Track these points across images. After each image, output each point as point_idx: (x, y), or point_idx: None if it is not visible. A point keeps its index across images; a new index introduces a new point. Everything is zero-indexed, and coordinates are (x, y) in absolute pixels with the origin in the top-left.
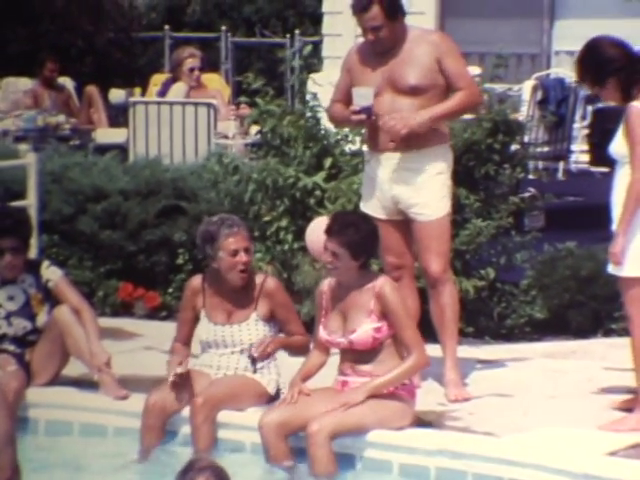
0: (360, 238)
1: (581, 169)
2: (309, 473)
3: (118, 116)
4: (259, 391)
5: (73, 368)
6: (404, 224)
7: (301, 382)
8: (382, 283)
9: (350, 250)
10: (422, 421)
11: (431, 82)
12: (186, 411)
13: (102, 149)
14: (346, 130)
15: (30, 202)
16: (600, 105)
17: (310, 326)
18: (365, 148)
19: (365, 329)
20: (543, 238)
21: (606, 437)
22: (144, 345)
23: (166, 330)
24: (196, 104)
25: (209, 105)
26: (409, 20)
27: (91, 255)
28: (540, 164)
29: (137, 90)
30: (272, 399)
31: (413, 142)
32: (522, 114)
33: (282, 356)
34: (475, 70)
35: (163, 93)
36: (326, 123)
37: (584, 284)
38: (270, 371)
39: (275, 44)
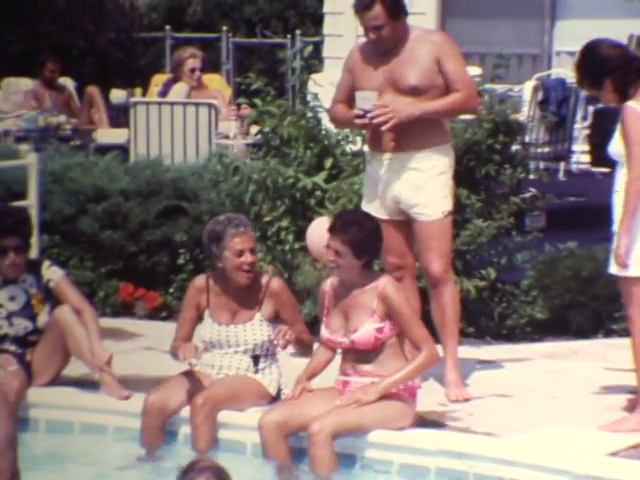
0: (363, 236)
1: (582, 169)
2: (310, 473)
3: (119, 116)
4: (260, 391)
5: (74, 368)
6: (405, 224)
7: (307, 380)
8: (385, 283)
9: (353, 248)
10: (423, 421)
11: (431, 82)
12: (186, 411)
13: (103, 149)
14: (347, 130)
15: (31, 202)
16: (601, 105)
17: (311, 326)
18: (366, 148)
19: (367, 329)
20: (544, 238)
21: (607, 437)
22: (145, 345)
23: (167, 330)
24: (197, 104)
25: (210, 105)
26: (410, 20)
27: (92, 255)
28: (541, 164)
29: (138, 90)
30: (273, 399)
31: (414, 142)
32: (523, 114)
33: (283, 357)
34: (475, 70)
35: (164, 93)
36: (327, 123)
37: (585, 284)
38: (272, 371)
39: (276, 44)
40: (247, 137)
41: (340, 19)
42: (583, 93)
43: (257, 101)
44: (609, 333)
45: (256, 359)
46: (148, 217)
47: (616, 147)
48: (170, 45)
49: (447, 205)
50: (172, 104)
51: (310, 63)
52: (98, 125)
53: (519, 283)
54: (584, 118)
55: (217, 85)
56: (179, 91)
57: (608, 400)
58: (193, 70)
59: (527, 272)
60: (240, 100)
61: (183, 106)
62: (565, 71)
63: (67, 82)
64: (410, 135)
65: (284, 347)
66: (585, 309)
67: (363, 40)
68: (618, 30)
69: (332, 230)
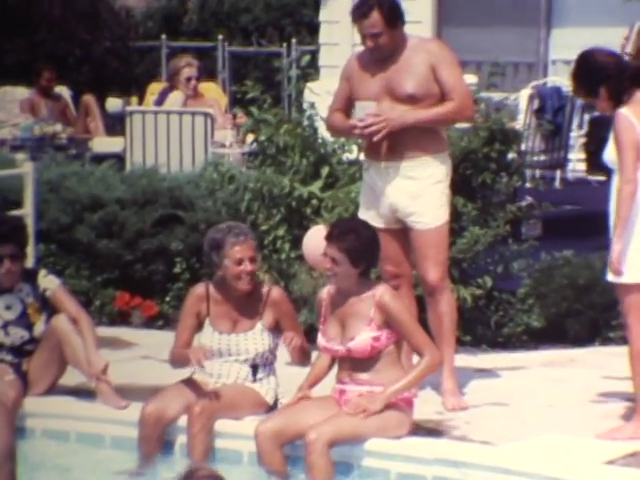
0: (360, 244)
1: (578, 177)
2: None
3: (115, 125)
4: (257, 401)
5: (70, 377)
6: (402, 233)
7: (309, 388)
8: (382, 292)
9: (349, 256)
10: (420, 430)
11: (428, 91)
12: (184, 420)
13: (99, 158)
14: (343, 139)
15: (27, 211)
16: (597, 114)
17: (307, 335)
18: (362, 157)
19: (364, 337)
20: (540, 246)
21: (604, 446)
22: (141, 354)
23: (163, 339)
24: (193, 113)
25: (206, 114)
26: (406, 29)
27: (88, 264)
28: (537, 172)
29: (134, 99)
30: (270, 409)
31: (411, 150)
32: (519, 123)
33: (280, 366)
34: (472, 79)
35: (160, 102)
36: (323, 132)
37: (581, 292)
38: (269, 381)
39: (272, 53)
40: (243, 146)
41: (336, 28)
42: (579, 101)
43: (253, 109)
44: (606, 341)
45: (255, 368)
46: (144, 226)
47: (610, 154)
48: (166, 54)
49: (444, 213)
50: (168, 113)
51: (307, 72)
52: (94, 134)
53: (515, 291)
54: (580, 126)
55: (213, 94)
56: (175, 100)
57: (605, 408)
58: (189, 79)
59: (523, 280)
60: (236, 109)
61: (179, 115)
62: (561, 79)
63: (63, 91)
64: (407, 143)
65: (294, 353)
66: (582, 317)
67: (360, 48)
68: (613, 39)
69: (329, 238)
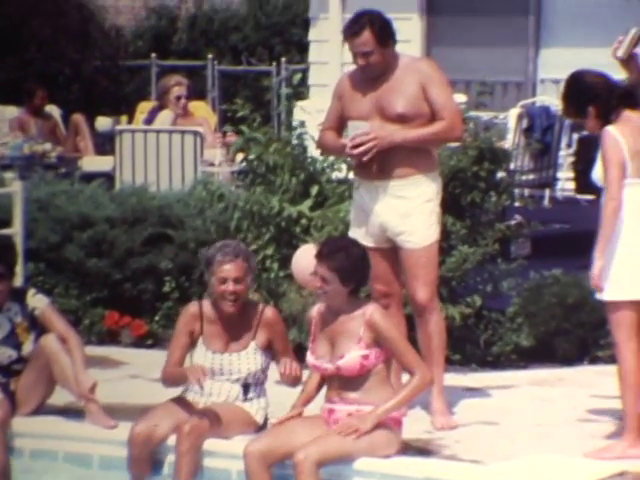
0: (350, 263)
1: (567, 197)
2: None
3: (105, 144)
4: (247, 420)
5: (59, 397)
6: (392, 252)
7: (302, 407)
8: (372, 310)
9: (339, 275)
10: (409, 449)
11: (418, 110)
12: (174, 439)
13: (88, 177)
14: (332, 158)
15: (16, 230)
16: (585, 133)
17: (296, 353)
18: (352, 175)
19: (353, 355)
20: (529, 265)
21: (592, 465)
22: (130, 373)
23: (152, 358)
24: (183, 132)
25: (195, 133)
26: (396, 48)
27: (77, 283)
28: (526, 192)
29: (124, 118)
30: (260, 428)
31: (401, 169)
32: (508, 142)
33: (270, 385)
34: (461, 98)
35: (150, 121)
36: (313, 151)
37: (570, 311)
38: (259, 400)
39: (261, 72)
40: (232, 164)
41: (325, 47)
42: (568, 120)
43: (244, 128)
44: (595, 360)
45: (246, 388)
46: (134, 245)
47: (599, 173)
48: (156, 73)
49: (434, 233)
50: (158, 132)
51: (298, 90)
52: (84, 153)
53: (504, 310)
54: (569, 145)
55: (203, 112)
56: (165, 119)
57: (594, 427)
58: (179, 98)
59: (512, 299)
60: (226, 128)
61: (169, 134)
62: (550, 99)
63: (53, 110)
64: (397, 162)
65: (288, 381)
66: (570, 336)
67: (350, 67)
68: (602, 59)
69: (319, 256)
